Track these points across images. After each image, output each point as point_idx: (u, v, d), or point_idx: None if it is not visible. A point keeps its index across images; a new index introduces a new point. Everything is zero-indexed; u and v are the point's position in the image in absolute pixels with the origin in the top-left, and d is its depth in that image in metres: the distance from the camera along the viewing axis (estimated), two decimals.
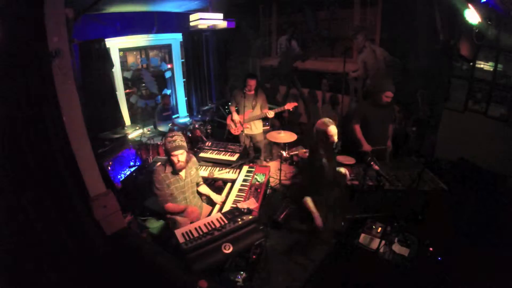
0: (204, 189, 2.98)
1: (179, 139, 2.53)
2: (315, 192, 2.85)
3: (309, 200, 2.83)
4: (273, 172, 4.47)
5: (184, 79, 6.68)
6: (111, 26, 4.88)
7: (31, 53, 2.11)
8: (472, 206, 2.97)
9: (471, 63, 3.43)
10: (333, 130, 2.70)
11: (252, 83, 4.07)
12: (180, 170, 2.62)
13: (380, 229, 2.63)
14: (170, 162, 2.58)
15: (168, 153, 2.52)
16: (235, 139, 4.49)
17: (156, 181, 2.58)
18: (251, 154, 4.56)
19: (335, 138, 2.73)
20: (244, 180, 3.16)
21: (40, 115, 2.21)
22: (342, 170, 3.10)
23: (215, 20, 3.83)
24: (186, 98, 6.81)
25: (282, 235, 3.23)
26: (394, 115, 3.79)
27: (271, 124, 5.20)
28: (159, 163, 2.72)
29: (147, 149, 4.49)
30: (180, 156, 2.53)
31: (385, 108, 3.47)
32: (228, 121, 4.43)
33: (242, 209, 2.42)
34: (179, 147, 2.50)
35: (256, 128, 4.37)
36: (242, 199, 2.84)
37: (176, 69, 6.59)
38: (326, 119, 2.79)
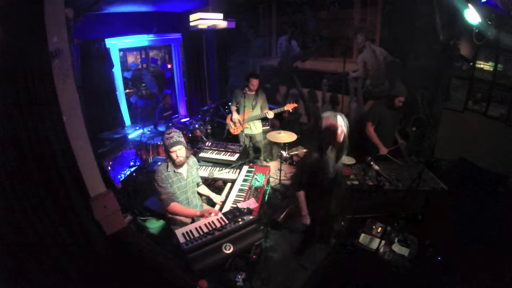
0: (204, 189, 2.98)
1: (176, 135, 2.53)
2: (311, 190, 2.62)
3: (302, 195, 2.61)
4: (273, 172, 4.47)
5: (184, 79, 6.68)
6: (111, 26, 4.88)
7: (31, 53, 2.11)
8: (472, 206, 2.97)
9: (471, 63, 3.43)
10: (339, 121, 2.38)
11: (255, 82, 4.07)
12: (181, 165, 2.60)
13: (380, 229, 2.63)
14: (170, 159, 2.58)
15: (166, 149, 2.52)
16: (235, 139, 4.49)
17: (158, 179, 2.55)
18: (251, 154, 4.56)
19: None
20: (244, 180, 3.16)
21: (40, 115, 2.21)
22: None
23: (215, 20, 3.83)
24: (186, 98, 6.81)
25: (282, 235, 3.23)
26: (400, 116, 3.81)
27: (271, 124, 5.20)
28: (160, 163, 2.71)
29: (147, 149, 4.49)
30: (179, 151, 2.52)
31: (395, 110, 3.55)
32: (228, 121, 4.43)
33: (242, 209, 2.43)
34: (177, 143, 2.49)
35: (256, 128, 4.37)
36: (242, 199, 2.83)
37: (176, 69, 6.58)
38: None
